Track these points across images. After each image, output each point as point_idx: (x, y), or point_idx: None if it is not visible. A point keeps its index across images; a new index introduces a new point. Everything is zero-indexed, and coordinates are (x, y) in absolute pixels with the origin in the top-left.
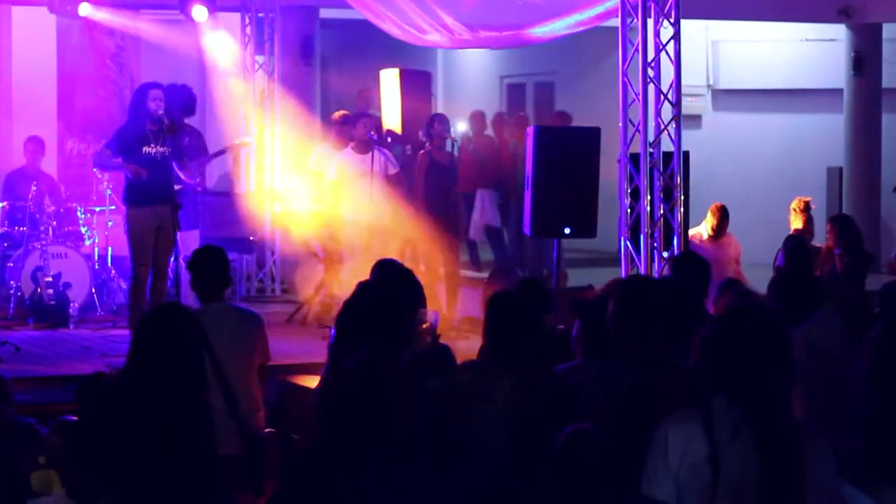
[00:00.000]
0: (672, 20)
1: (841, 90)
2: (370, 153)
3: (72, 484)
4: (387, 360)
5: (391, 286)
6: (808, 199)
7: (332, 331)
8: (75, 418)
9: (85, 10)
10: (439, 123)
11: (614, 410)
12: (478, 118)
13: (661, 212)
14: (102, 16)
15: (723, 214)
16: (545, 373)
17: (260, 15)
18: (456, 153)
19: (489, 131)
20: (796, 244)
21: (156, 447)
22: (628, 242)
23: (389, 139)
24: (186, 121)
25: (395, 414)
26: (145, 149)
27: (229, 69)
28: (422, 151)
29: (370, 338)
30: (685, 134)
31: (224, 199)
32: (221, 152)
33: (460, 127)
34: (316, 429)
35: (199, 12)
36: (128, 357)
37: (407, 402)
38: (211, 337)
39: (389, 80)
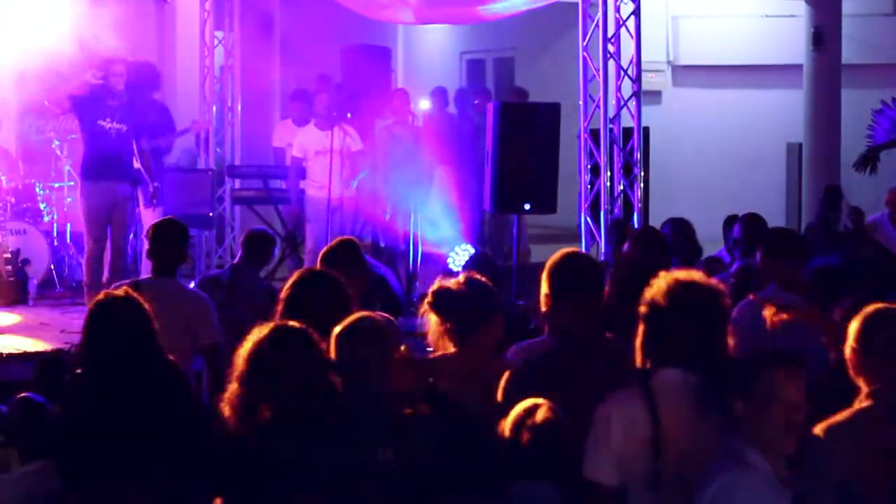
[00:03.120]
0: None
1: (800, 66)
2: (332, 129)
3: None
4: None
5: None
6: None
7: None
8: (35, 395)
9: None
10: (398, 99)
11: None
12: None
13: (621, 187)
14: None
15: None
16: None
17: None
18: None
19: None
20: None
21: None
22: (588, 218)
23: (350, 115)
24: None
25: (323, 382)
26: (100, 122)
27: (189, 45)
28: (382, 126)
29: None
30: (645, 110)
31: (185, 176)
32: (185, 131)
33: (423, 105)
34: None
35: None
36: (81, 344)
37: (341, 371)
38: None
39: (350, 56)
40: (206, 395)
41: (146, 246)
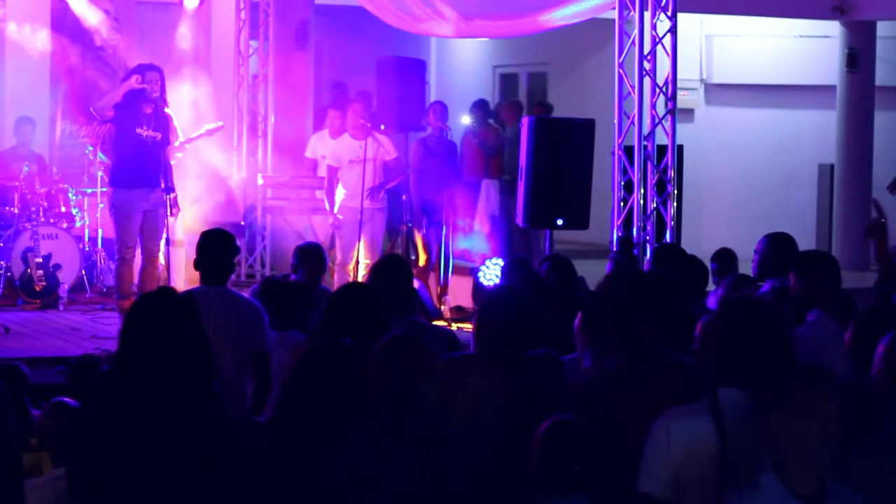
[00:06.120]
0: (669, 13)
1: (834, 87)
2: (365, 140)
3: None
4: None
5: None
6: None
7: None
8: (69, 400)
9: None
10: (434, 112)
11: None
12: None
13: (654, 205)
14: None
15: None
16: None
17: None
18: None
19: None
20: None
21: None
22: (621, 235)
23: (383, 126)
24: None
25: (363, 396)
26: (138, 130)
27: (223, 53)
28: (416, 139)
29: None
30: (677, 128)
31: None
32: (194, 139)
33: (464, 120)
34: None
35: (191, 1)
36: (118, 345)
37: (382, 385)
38: (203, 319)
39: (385, 68)
40: (250, 403)
41: (172, 255)
